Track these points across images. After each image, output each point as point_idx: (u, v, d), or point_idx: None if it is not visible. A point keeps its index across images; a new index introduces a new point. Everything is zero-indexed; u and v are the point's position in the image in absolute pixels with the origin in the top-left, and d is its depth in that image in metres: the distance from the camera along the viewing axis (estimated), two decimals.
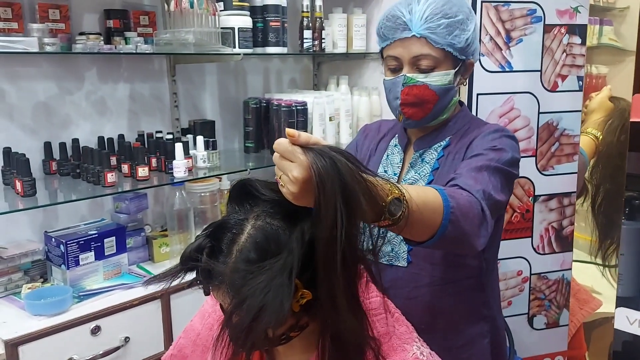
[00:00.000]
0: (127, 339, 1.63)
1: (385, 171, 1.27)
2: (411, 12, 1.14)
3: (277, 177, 0.77)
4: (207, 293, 0.86)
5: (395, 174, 1.25)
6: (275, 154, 0.75)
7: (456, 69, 1.17)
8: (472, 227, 0.92)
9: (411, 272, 1.18)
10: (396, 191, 0.80)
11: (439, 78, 1.15)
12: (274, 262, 0.77)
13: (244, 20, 1.93)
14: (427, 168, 1.21)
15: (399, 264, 1.19)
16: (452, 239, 0.89)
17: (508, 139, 1.15)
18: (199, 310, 1.16)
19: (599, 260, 1.90)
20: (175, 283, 0.86)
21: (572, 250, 1.82)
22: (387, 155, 1.29)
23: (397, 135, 1.31)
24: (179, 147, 1.77)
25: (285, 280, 0.76)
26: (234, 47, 1.90)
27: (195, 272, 0.84)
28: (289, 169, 0.72)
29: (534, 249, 1.79)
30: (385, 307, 0.98)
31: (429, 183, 1.19)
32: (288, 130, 0.73)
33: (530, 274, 1.80)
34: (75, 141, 1.83)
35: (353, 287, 0.80)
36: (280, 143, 0.74)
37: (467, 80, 1.27)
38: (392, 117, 1.39)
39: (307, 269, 0.78)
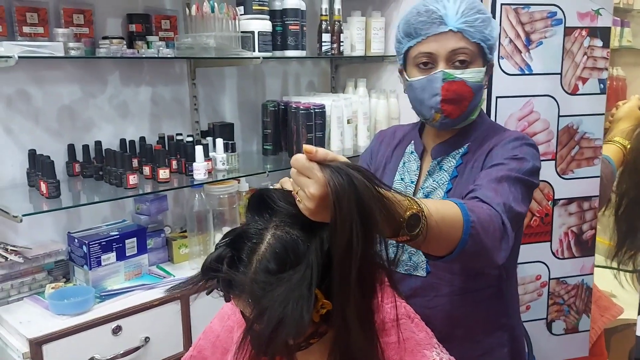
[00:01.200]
0: (147, 339, 1.66)
1: (402, 179, 1.26)
2: (446, 7, 1.13)
3: (294, 192, 0.78)
4: (227, 300, 0.88)
5: (412, 182, 1.24)
6: (292, 169, 0.76)
7: (485, 68, 1.17)
8: (493, 242, 0.91)
9: (430, 282, 1.18)
10: (415, 207, 0.80)
11: (474, 74, 1.14)
12: (292, 274, 0.78)
13: (263, 24, 1.95)
14: (445, 176, 1.20)
15: (418, 274, 1.19)
16: (472, 254, 0.89)
17: (529, 147, 1.14)
18: (218, 312, 1.17)
19: (615, 264, 1.88)
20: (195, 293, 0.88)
21: (593, 255, 1.80)
22: (404, 163, 1.28)
23: (412, 142, 1.29)
24: (199, 149, 1.79)
25: (304, 292, 0.76)
26: (254, 50, 1.92)
27: (215, 281, 0.85)
28: (306, 185, 0.73)
29: (553, 253, 1.77)
30: (396, 313, 0.98)
31: (448, 191, 1.18)
32: (305, 146, 0.74)
33: (549, 279, 1.78)
34: (98, 144, 1.87)
35: (367, 305, 0.80)
36: (298, 159, 0.74)
37: (487, 85, 1.27)
38: (408, 121, 1.39)
39: (328, 278, 0.78)
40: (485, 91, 1.64)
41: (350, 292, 0.75)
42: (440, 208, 0.85)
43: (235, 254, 0.83)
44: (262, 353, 0.83)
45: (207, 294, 0.89)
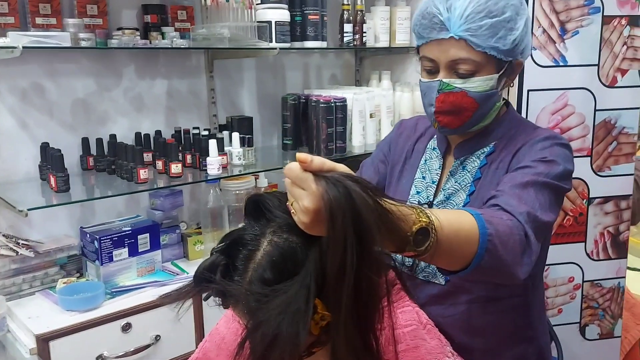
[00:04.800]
0: (157, 337, 1.62)
1: (424, 177, 1.18)
2: (450, 9, 1.00)
3: (289, 204, 0.72)
4: (226, 307, 0.84)
5: (434, 182, 1.16)
6: (286, 179, 0.70)
7: (500, 72, 1.05)
8: (513, 256, 0.83)
9: (449, 290, 1.09)
10: (424, 219, 0.73)
11: (479, 84, 1.03)
12: (290, 285, 0.73)
13: (281, 14, 1.88)
14: (468, 177, 1.11)
15: (436, 281, 1.10)
16: (489, 269, 0.81)
17: (560, 147, 1.03)
18: (224, 314, 1.13)
19: None
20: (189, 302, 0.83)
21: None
22: (425, 160, 1.19)
23: (435, 137, 1.20)
24: (212, 143, 1.74)
25: (302, 306, 0.70)
26: (271, 41, 1.85)
27: (211, 289, 0.81)
28: (300, 197, 0.67)
29: (587, 254, 1.69)
30: (390, 316, 0.91)
31: (471, 194, 1.09)
32: (299, 155, 0.67)
33: (583, 281, 1.69)
34: (113, 137, 1.84)
35: (366, 324, 0.74)
36: (291, 169, 0.68)
37: (515, 81, 1.15)
38: None
39: (327, 285, 0.72)
40: (516, 84, 1.56)
41: (345, 309, 0.68)
42: (454, 220, 0.78)
43: (229, 262, 0.79)
44: None
45: (205, 299, 0.84)
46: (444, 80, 1.04)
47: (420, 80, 1.11)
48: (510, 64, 1.06)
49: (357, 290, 0.67)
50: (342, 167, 0.69)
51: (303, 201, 0.66)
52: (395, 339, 0.87)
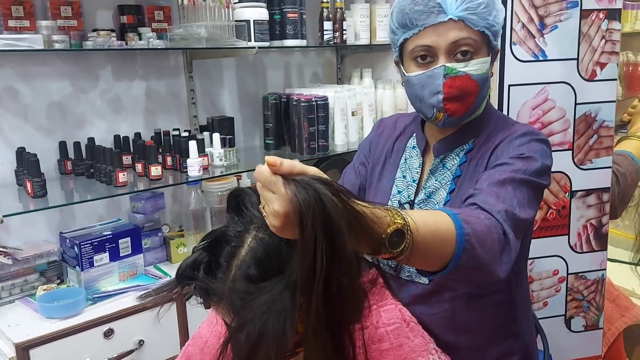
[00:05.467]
0: (141, 342, 1.60)
1: (404, 176, 1.17)
2: None
3: (261, 207, 0.71)
4: (207, 307, 0.82)
5: (414, 181, 1.15)
6: (257, 182, 0.69)
7: (490, 57, 1.05)
8: (492, 255, 0.82)
9: (432, 288, 1.08)
10: (399, 221, 0.72)
11: (479, 66, 1.02)
12: (275, 283, 0.72)
13: (259, 12, 1.86)
14: (448, 175, 1.10)
15: (419, 281, 1.09)
16: (468, 269, 0.80)
17: (538, 143, 1.02)
18: (206, 317, 1.11)
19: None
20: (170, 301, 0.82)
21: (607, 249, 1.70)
22: (405, 159, 1.18)
23: (414, 135, 1.19)
24: (192, 145, 1.72)
25: (287, 304, 0.69)
26: (250, 40, 1.84)
27: (193, 287, 0.79)
28: (270, 200, 0.66)
29: (571, 247, 1.69)
30: (371, 314, 0.90)
31: (451, 192, 1.08)
32: (268, 158, 0.66)
33: (567, 274, 1.70)
34: (91, 140, 1.81)
35: (338, 328, 0.72)
36: (261, 172, 0.67)
37: (495, 76, 1.14)
38: (411, 110, 1.29)
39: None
40: (497, 79, 1.56)
41: (315, 312, 0.67)
42: (430, 221, 0.77)
43: (212, 259, 0.78)
44: None
45: (185, 300, 0.82)
46: (448, 64, 1.01)
47: (408, 75, 1.07)
48: (493, 50, 1.07)
49: (328, 294, 0.66)
50: (313, 170, 0.68)
51: (273, 205, 0.65)
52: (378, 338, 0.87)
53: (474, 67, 1.02)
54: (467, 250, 0.78)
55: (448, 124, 1.07)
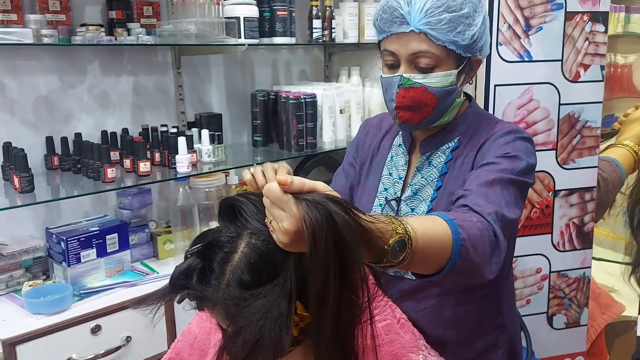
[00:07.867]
0: (128, 339, 1.59)
1: (390, 174, 1.19)
2: (410, 3, 1.02)
3: (268, 222, 0.71)
4: (200, 309, 0.82)
5: (400, 178, 1.17)
6: (265, 198, 0.69)
7: (460, 68, 1.06)
8: (483, 257, 0.85)
9: (420, 284, 1.11)
10: (400, 230, 0.73)
11: (439, 79, 1.04)
12: (269, 289, 0.72)
13: (249, 10, 1.87)
14: (434, 172, 1.12)
15: (407, 277, 1.11)
16: (460, 272, 0.82)
17: (522, 141, 1.05)
18: (196, 313, 1.12)
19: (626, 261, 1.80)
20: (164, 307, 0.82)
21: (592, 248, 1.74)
22: (392, 157, 1.20)
23: (400, 133, 1.21)
24: (181, 141, 1.72)
25: (283, 310, 0.70)
26: (239, 37, 1.84)
27: (186, 292, 0.79)
28: (280, 218, 0.66)
29: (554, 245, 1.72)
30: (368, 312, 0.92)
31: (438, 189, 1.11)
32: (279, 177, 0.66)
33: (550, 272, 1.73)
34: (78, 136, 1.80)
35: (347, 341, 0.74)
36: (271, 189, 0.67)
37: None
38: None
39: (307, 287, 0.71)
40: (483, 79, 1.58)
41: (327, 330, 0.68)
42: (428, 228, 0.78)
43: (205, 265, 0.77)
44: None
45: (178, 302, 0.82)
46: (405, 75, 1.04)
47: (381, 76, 1.11)
48: (470, 60, 1.08)
49: (339, 311, 0.67)
50: (322, 186, 0.69)
51: (283, 223, 0.66)
52: (373, 339, 0.88)
53: (433, 79, 1.04)
54: (462, 254, 0.80)
55: (404, 129, 1.13)
